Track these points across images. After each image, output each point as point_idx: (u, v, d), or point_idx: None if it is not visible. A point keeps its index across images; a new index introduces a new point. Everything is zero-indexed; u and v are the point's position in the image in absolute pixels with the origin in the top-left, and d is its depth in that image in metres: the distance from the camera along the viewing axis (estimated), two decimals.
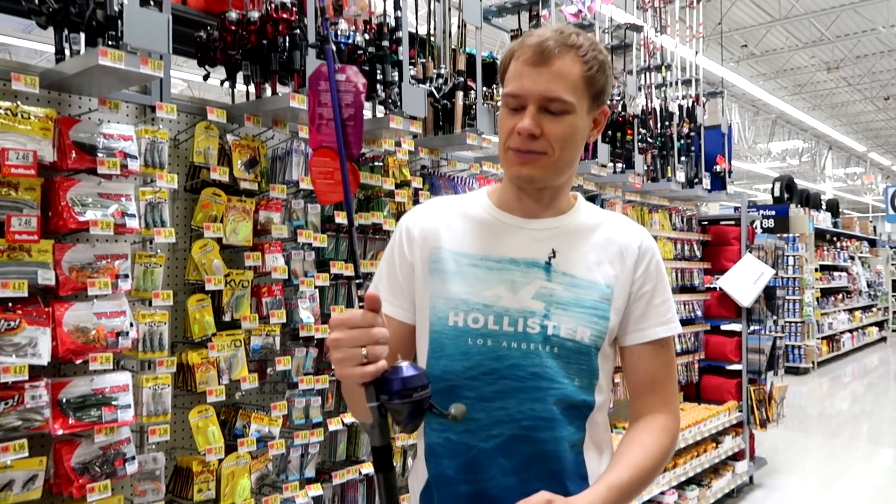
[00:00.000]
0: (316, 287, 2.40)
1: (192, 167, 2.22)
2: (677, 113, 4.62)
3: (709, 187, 4.84)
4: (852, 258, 13.14)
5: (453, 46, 3.01)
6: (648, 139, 4.21)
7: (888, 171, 24.95)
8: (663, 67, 4.80)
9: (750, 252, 4.88)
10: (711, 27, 9.97)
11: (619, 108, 3.97)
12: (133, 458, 1.91)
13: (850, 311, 12.78)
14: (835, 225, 12.40)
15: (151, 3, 1.90)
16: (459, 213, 1.27)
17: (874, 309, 14.36)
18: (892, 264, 15.85)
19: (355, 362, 0.96)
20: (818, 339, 10.92)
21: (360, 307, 0.99)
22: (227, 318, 2.18)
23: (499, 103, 2.63)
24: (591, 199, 3.80)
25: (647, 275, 1.24)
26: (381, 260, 1.32)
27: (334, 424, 2.44)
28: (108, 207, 1.92)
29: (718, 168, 4.98)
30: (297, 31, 2.20)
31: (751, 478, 5.04)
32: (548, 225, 1.24)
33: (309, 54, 2.24)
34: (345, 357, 0.97)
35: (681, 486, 4.17)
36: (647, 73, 4.59)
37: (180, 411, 2.12)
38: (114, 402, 1.88)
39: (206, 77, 2.39)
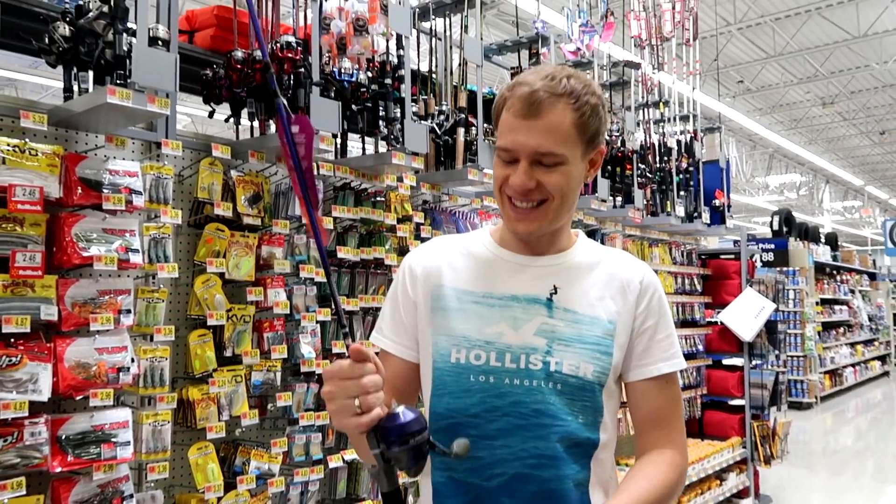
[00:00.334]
0: (317, 322, 2.40)
1: (195, 202, 2.24)
2: (676, 148, 4.67)
3: (708, 221, 4.87)
4: (853, 291, 13.11)
5: (455, 83, 3.06)
6: (647, 174, 4.25)
7: (886, 205, 25.07)
8: (661, 103, 4.86)
9: (750, 286, 4.88)
10: (707, 63, 10.12)
11: (619, 144, 4.01)
12: (131, 495, 1.89)
13: (852, 344, 12.71)
14: (834, 258, 12.41)
15: (160, 43, 1.94)
16: (462, 251, 1.29)
17: (876, 343, 14.28)
18: (893, 298, 15.82)
19: (350, 413, 0.97)
20: (820, 373, 10.84)
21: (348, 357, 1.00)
22: (228, 353, 2.17)
23: None
24: (592, 233, 3.82)
25: (649, 310, 1.24)
26: (385, 298, 1.33)
27: (335, 461, 2.42)
28: (112, 243, 1.93)
29: (717, 202, 5.01)
30: (302, 69, 2.24)
31: None
32: (549, 262, 1.24)
33: (313, 92, 2.27)
34: (338, 409, 0.98)
35: None
36: (646, 109, 4.65)
37: (180, 448, 2.10)
38: (113, 439, 1.87)
39: (211, 114, 2.43)
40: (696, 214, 4.69)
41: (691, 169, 4.73)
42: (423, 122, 2.84)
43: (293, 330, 2.36)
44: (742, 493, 4.79)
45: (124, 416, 1.91)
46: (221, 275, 2.18)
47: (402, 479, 2.63)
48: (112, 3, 1.84)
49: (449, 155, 2.95)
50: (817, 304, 10.95)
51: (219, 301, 2.16)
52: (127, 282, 1.98)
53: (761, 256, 9.97)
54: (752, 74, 13.10)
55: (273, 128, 2.32)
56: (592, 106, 1.15)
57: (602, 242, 3.41)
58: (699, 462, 4.23)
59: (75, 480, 1.82)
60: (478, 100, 3.01)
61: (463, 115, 2.96)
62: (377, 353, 1.30)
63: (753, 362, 4.85)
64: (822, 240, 12.49)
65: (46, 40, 1.87)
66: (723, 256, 5.13)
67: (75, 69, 1.92)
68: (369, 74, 2.58)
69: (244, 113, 2.37)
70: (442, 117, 2.97)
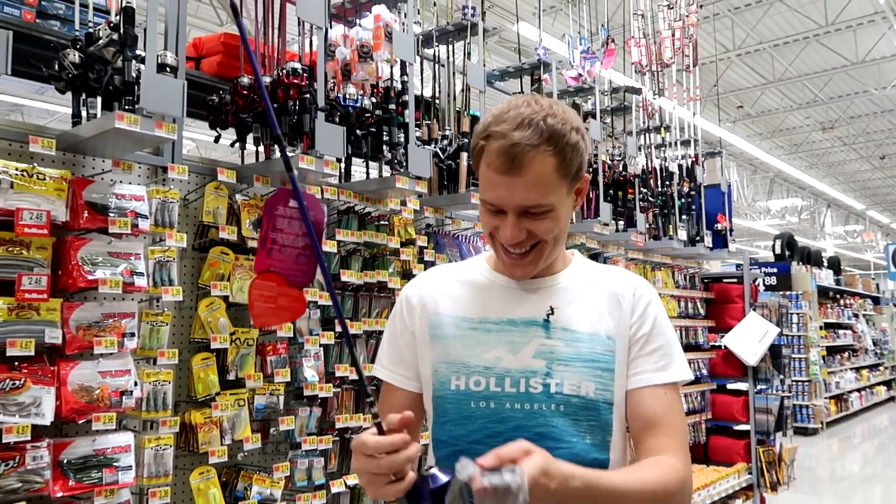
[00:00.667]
0: (321, 345, 2.40)
1: (200, 226, 2.25)
2: (677, 172, 4.69)
3: (710, 245, 4.88)
4: (856, 316, 13.05)
5: (457, 109, 3.10)
6: (650, 198, 4.27)
7: (888, 229, 25.07)
8: (662, 128, 4.90)
9: (754, 310, 4.87)
10: (707, 89, 10.23)
11: (620, 168, 4.04)
12: None
13: (857, 369, 12.62)
14: (837, 282, 12.37)
15: (167, 69, 1.97)
16: (458, 279, 1.30)
17: (881, 368, 14.18)
18: None
19: (383, 482, 0.97)
20: (826, 398, 10.75)
21: (376, 423, 1.00)
22: (231, 376, 2.17)
23: None
24: (594, 256, 3.83)
25: (642, 319, 1.22)
26: (385, 330, 1.34)
27: (337, 486, 2.40)
28: (117, 266, 1.94)
29: (719, 226, 5.02)
30: (307, 95, 2.27)
31: None
32: (545, 284, 1.25)
33: (319, 117, 2.30)
34: (369, 482, 0.98)
35: None
36: (647, 134, 4.68)
37: (181, 472, 2.09)
38: (115, 464, 1.86)
39: (217, 139, 2.45)
40: (698, 238, 4.70)
41: (693, 193, 4.75)
42: (426, 146, 2.86)
43: (296, 353, 2.36)
44: None
45: (126, 440, 1.90)
46: (225, 298, 2.19)
47: None
48: (121, 31, 1.87)
49: (452, 179, 2.97)
50: (821, 328, 10.90)
51: (222, 324, 2.16)
52: (131, 305, 1.99)
53: (764, 280, 9.95)
54: (751, 100, 13.22)
55: (278, 153, 2.34)
56: (573, 145, 1.12)
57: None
58: (705, 488, 4.18)
59: None
60: None
61: (466, 140, 2.99)
62: (380, 384, 1.31)
63: (758, 387, 4.82)
64: (825, 264, 12.48)
65: (56, 67, 1.90)
66: (725, 280, 5.13)
67: (84, 95, 1.95)
68: (373, 100, 2.61)
69: (249, 138, 2.40)
70: (445, 142, 2.99)
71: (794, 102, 13.46)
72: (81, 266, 1.88)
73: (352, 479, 2.44)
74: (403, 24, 2.74)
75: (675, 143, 4.98)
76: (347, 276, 2.50)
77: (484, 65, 3.17)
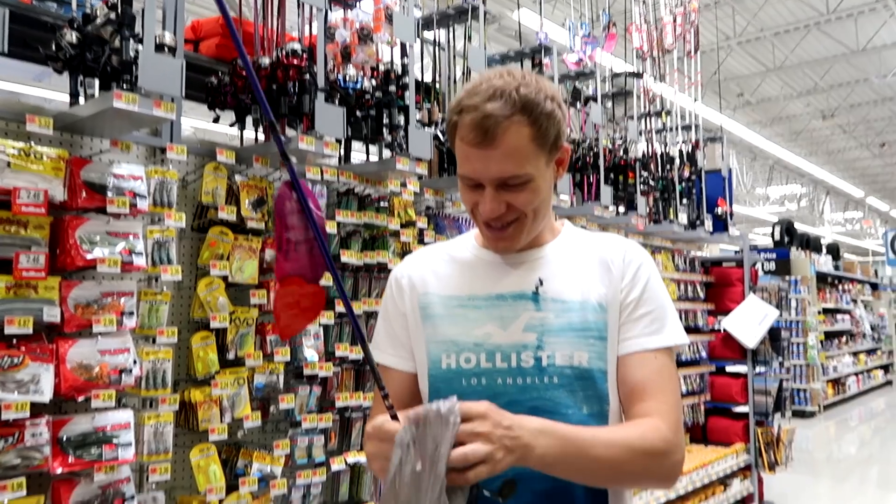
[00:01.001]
0: (321, 325, 2.40)
1: (199, 206, 2.25)
2: (678, 157, 4.69)
3: (711, 229, 4.88)
4: (854, 301, 13.09)
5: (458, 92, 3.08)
6: (650, 182, 4.27)
7: (887, 216, 25.06)
8: (663, 113, 4.89)
9: (753, 293, 4.89)
10: (708, 76, 10.19)
11: (621, 152, 4.04)
12: (133, 497, 1.88)
13: (855, 354, 12.68)
14: (836, 268, 12.40)
15: (166, 49, 1.96)
16: (445, 257, 1.29)
17: (878, 352, 14.25)
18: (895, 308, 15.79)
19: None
20: (823, 381, 10.81)
21: (390, 411, 1.00)
22: (230, 355, 2.18)
23: None
24: None
25: (633, 283, 1.19)
26: (378, 313, 1.34)
27: (337, 464, 2.41)
28: (115, 245, 1.94)
29: (720, 211, 5.03)
30: (307, 76, 2.26)
31: None
32: (532, 256, 1.23)
33: (318, 98, 2.29)
34: (382, 468, 0.98)
35: None
36: (648, 119, 4.67)
37: (181, 450, 2.10)
38: (115, 441, 1.86)
39: (216, 120, 2.44)
40: (698, 222, 4.70)
41: (694, 177, 4.75)
42: (426, 128, 2.85)
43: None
44: (746, 500, 4.77)
45: (126, 417, 1.91)
46: (225, 278, 2.19)
47: None
48: (119, 11, 1.86)
49: (452, 162, 2.96)
50: (819, 313, 10.94)
51: (222, 304, 2.17)
52: (130, 284, 1.99)
53: (763, 265, 9.96)
54: (752, 87, 13.17)
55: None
56: (548, 113, 1.10)
57: None
58: (703, 468, 4.22)
59: (76, 482, 1.82)
60: None
61: None
62: (378, 367, 1.31)
63: (757, 369, 4.84)
64: (824, 250, 12.49)
65: (53, 47, 1.88)
66: (725, 264, 5.14)
67: (82, 75, 1.93)
68: (373, 82, 2.60)
69: (249, 120, 2.39)
70: (445, 124, 2.98)
71: (795, 90, 13.41)
72: (80, 245, 1.88)
73: (352, 457, 2.45)
74: (404, 5, 2.72)
75: (676, 129, 4.97)
76: (347, 257, 2.50)
77: (485, 48, 3.16)
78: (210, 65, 2.61)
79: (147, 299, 2.02)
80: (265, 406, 2.25)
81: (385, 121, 2.62)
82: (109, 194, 1.94)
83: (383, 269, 2.67)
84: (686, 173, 4.69)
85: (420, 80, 3.05)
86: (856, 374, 12.50)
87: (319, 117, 2.29)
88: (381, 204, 2.67)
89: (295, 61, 2.23)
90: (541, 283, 1.19)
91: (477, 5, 3.10)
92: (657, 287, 1.21)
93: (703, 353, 4.81)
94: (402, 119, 2.64)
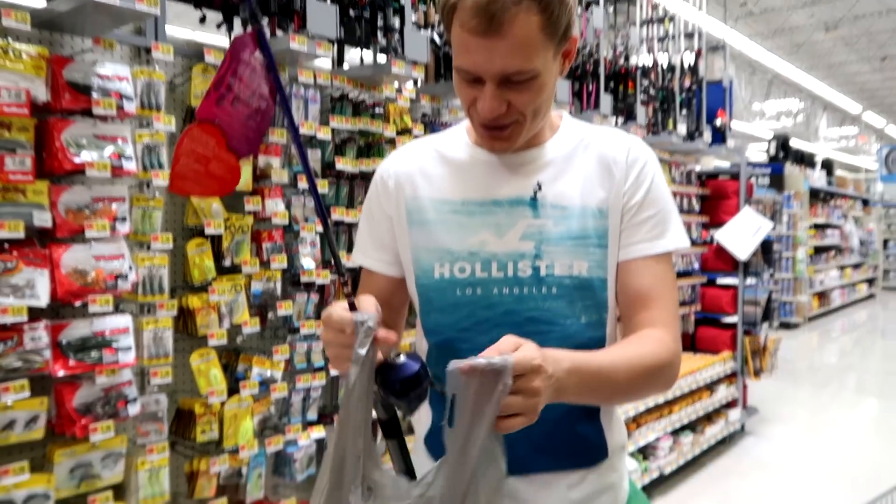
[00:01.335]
0: (317, 233, 2.38)
1: (189, 110, 2.17)
2: (679, 66, 4.56)
3: (709, 141, 4.82)
4: (845, 217, 13.20)
5: None
6: (650, 91, 4.17)
7: (882, 134, 24.89)
8: (666, 19, 4.71)
9: (749, 205, 4.89)
10: None
11: (622, 60, 3.92)
12: (135, 399, 1.91)
13: (842, 268, 12.91)
14: (829, 184, 12.42)
15: None
16: (436, 155, 1.19)
17: (864, 266, 14.51)
18: (885, 223, 15.95)
19: (347, 360, 0.91)
20: (809, 294, 11.05)
21: (348, 300, 0.95)
22: (227, 263, 2.16)
23: None
24: None
25: (637, 185, 1.13)
26: (361, 213, 1.26)
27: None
28: (104, 149, 1.88)
29: (719, 122, 4.94)
30: None
31: (742, 425, 5.14)
32: (530, 157, 1.14)
33: None
34: (336, 356, 0.95)
35: (675, 433, 4.25)
36: (650, 26, 4.51)
37: (181, 355, 2.11)
38: (114, 345, 1.87)
39: (202, 19, 2.32)
40: (697, 133, 4.63)
41: (694, 87, 4.64)
42: (423, 30, 2.74)
43: (292, 241, 2.34)
44: (731, 404, 4.95)
45: (124, 322, 1.91)
46: None
47: None
48: None
49: (449, 67, 2.86)
50: (810, 228, 11.04)
51: (216, 210, 2.13)
52: (121, 189, 1.94)
53: (757, 180, 9.94)
54: None
55: (267, 34, 2.22)
56: None
57: None
58: (691, 374, 4.35)
59: (78, 384, 1.84)
60: None
61: None
62: (360, 270, 1.26)
63: (748, 280, 4.91)
64: (818, 165, 12.47)
65: None
66: (722, 177, 5.11)
67: None
68: None
69: (237, 20, 2.27)
70: (442, 27, 2.86)
71: (799, 0, 12.96)
72: (67, 148, 1.81)
73: None
74: None
75: (679, 36, 4.81)
76: (343, 164, 2.44)
77: None
78: None
79: (139, 205, 1.98)
80: (263, 313, 2.25)
81: (380, 23, 2.50)
82: (95, 95, 1.86)
83: None
84: (687, 83, 4.58)
85: None
86: (841, 287, 12.77)
87: (311, 15, 2.19)
88: (377, 110, 2.59)
89: None
90: (539, 187, 1.12)
91: None
92: (661, 187, 1.15)
93: (696, 265, 4.86)
94: (397, 21, 2.52)
